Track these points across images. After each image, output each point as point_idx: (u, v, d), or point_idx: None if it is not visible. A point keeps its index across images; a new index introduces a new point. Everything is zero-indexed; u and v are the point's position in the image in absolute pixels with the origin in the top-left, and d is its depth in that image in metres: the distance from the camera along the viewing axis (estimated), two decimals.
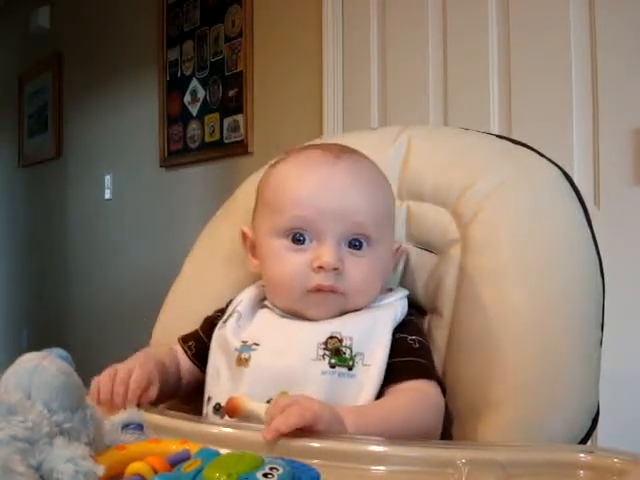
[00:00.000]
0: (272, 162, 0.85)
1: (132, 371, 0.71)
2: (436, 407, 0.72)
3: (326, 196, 0.75)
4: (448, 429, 0.76)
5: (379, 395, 0.71)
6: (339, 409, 0.63)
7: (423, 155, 0.89)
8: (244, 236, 0.85)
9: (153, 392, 0.72)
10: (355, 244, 0.76)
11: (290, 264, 0.75)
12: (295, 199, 0.76)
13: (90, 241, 3.58)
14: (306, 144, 0.87)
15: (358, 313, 0.76)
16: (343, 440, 0.58)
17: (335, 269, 0.74)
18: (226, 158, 2.66)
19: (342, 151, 0.79)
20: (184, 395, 0.83)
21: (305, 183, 0.76)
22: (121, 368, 0.71)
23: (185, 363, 0.82)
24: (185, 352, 0.83)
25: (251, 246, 0.83)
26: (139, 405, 0.68)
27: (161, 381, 0.74)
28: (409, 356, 0.73)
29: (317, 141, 1.01)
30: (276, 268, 0.77)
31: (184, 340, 0.85)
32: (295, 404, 0.59)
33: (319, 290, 0.74)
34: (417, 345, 0.75)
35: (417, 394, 0.71)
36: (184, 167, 2.91)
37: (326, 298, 0.75)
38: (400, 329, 0.76)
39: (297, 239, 0.75)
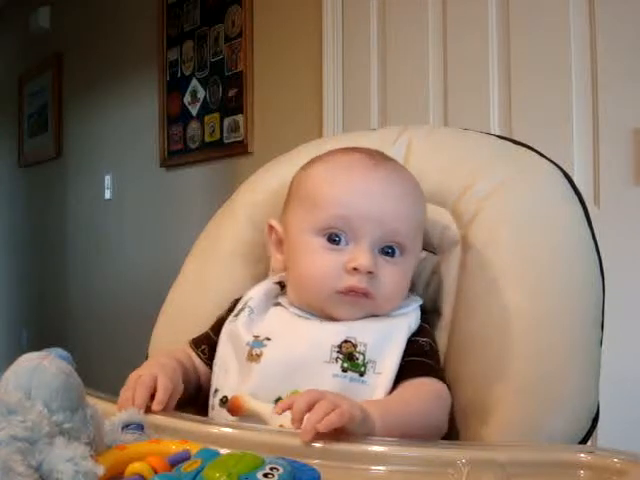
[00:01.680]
0: (305, 163, 0.83)
1: (155, 378, 0.69)
2: (446, 403, 0.73)
3: (368, 199, 0.75)
4: (449, 428, 0.76)
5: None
6: (362, 403, 0.63)
7: (423, 155, 0.89)
8: (270, 230, 0.83)
9: (174, 400, 0.71)
10: (388, 251, 0.76)
11: (324, 263, 0.75)
12: (337, 198, 0.75)
13: (90, 241, 3.57)
14: (344, 147, 0.83)
15: (375, 319, 0.76)
16: (343, 440, 0.58)
17: (369, 272, 0.73)
18: (226, 158, 2.66)
19: (383, 158, 0.80)
20: (202, 398, 0.82)
21: (348, 184, 0.76)
22: (146, 375, 0.69)
23: (201, 369, 0.81)
24: (199, 356, 0.82)
25: (277, 241, 0.82)
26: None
27: (185, 383, 0.74)
28: (419, 357, 0.74)
29: (321, 141, 1.01)
30: (309, 266, 0.76)
31: (196, 344, 0.83)
32: (324, 400, 0.58)
33: (351, 291, 0.74)
34: (428, 347, 0.76)
35: (431, 389, 0.72)
36: (184, 167, 2.91)
37: (357, 302, 0.74)
38: (413, 334, 0.76)
39: (333, 239, 0.75)
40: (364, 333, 0.73)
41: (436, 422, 0.71)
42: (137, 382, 0.68)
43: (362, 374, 0.71)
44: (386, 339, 0.74)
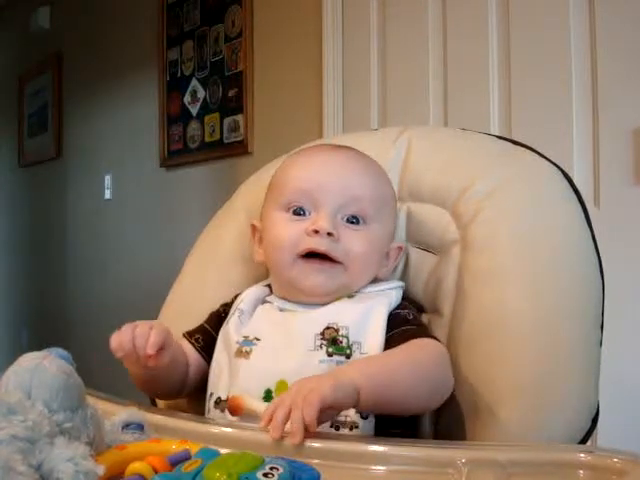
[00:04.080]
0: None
1: (152, 326, 0.72)
2: (437, 349, 0.72)
3: (326, 172, 0.80)
4: (448, 428, 0.76)
5: None
6: (340, 368, 0.67)
7: (423, 156, 0.89)
8: (253, 229, 0.87)
9: (167, 355, 0.72)
10: (353, 220, 0.79)
11: (288, 232, 0.78)
12: (298, 176, 0.81)
13: (90, 241, 3.57)
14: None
15: (354, 301, 0.77)
16: (343, 440, 0.58)
17: (330, 234, 0.76)
18: (226, 158, 2.66)
19: (344, 146, 0.85)
20: (191, 392, 0.83)
21: (308, 164, 0.82)
22: (141, 323, 0.72)
23: (192, 357, 0.82)
24: (192, 345, 0.83)
25: (259, 239, 0.86)
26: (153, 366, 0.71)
27: (173, 353, 0.75)
28: (405, 326, 0.75)
29: (321, 142, 1.01)
30: (275, 236, 0.80)
31: (190, 334, 0.84)
32: (294, 398, 0.58)
33: (311, 253, 0.76)
34: (410, 317, 0.77)
35: (415, 342, 0.72)
36: (184, 167, 2.91)
37: (324, 269, 0.76)
38: (393, 309, 0.77)
39: (298, 212, 0.79)
40: (344, 317, 0.75)
41: (431, 370, 0.70)
42: (134, 326, 0.71)
43: (348, 356, 0.72)
44: (366, 319, 0.75)
